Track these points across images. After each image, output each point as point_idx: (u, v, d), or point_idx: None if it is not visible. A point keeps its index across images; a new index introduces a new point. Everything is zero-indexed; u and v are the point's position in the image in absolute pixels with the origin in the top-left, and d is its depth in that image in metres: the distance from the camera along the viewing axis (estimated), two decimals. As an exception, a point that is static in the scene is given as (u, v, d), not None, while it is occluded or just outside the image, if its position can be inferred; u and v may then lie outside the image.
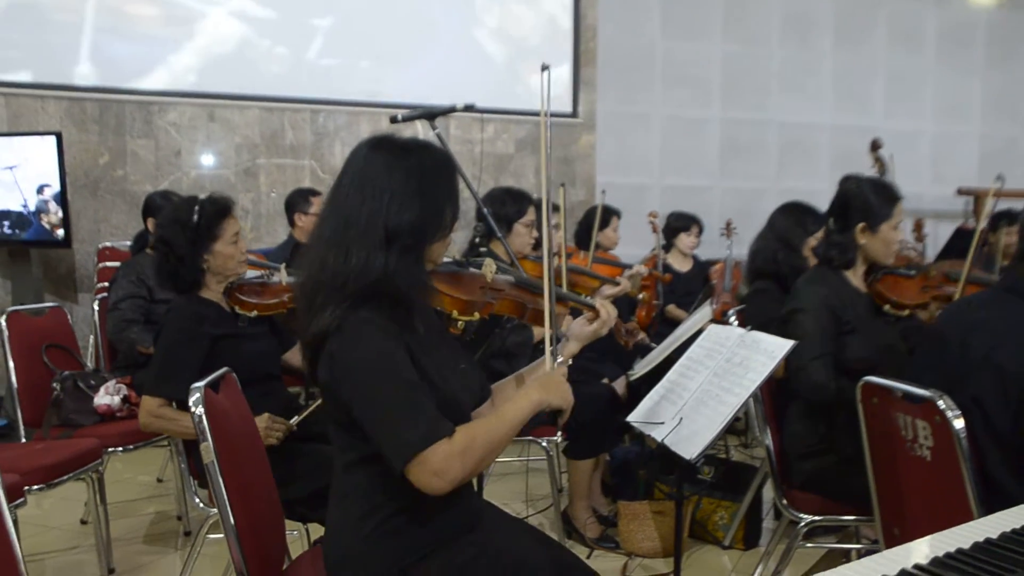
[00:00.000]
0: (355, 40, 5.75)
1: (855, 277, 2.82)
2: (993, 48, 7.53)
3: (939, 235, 6.44)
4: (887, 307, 2.83)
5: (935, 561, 1.29)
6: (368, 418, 1.56)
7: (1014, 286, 2.03)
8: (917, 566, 1.26)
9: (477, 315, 2.06)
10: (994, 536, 1.39)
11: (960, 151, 7.47)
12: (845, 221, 2.77)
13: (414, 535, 1.67)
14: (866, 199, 2.74)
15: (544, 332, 1.83)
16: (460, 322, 2.04)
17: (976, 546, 1.35)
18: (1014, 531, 1.42)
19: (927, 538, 1.39)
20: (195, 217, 2.65)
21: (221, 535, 2.69)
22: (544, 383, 1.72)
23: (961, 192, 7.05)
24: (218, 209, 2.70)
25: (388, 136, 1.73)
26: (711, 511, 3.52)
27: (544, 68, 2.11)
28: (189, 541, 3.40)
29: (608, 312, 1.97)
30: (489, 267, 2.16)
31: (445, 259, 2.09)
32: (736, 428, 4.94)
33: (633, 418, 2.38)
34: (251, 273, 2.92)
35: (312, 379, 1.73)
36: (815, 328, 2.64)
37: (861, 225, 2.74)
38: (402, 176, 1.64)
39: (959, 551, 1.33)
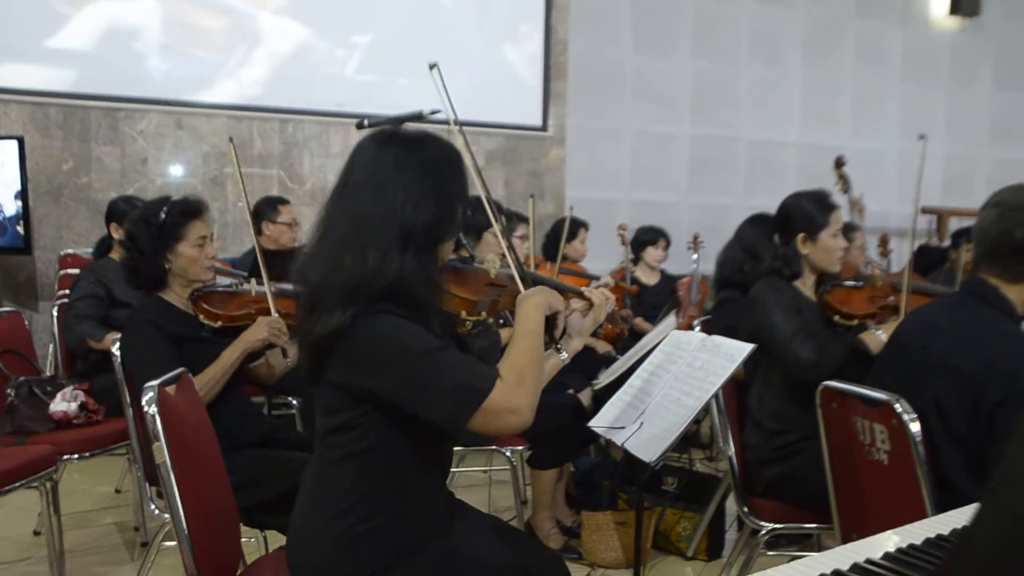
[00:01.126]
0: (330, 47, 5.75)
1: (805, 288, 2.88)
2: (956, 70, 7.68)
3: (903, 252, 6.52)
4: (836, 317, 2.89)
5: (888, 556, 1.30)
6: (411, 393, 1.54)
7: (974, 290, 2.06)
8: (870, 561, 1.27)
9: (484, 314, 2.02)
10: (945, 532, 1.40)
11: (924, 170, 7.57)
12: (788, 234, 2.86)
13: (385, 540, 1.64)
14: (804, 210, 2.84)
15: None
16: (468, 323, 2.00)
17: (928, 542, 1.36)
18: (965, 528, 1.43)
19: (880, 535, 1.39)
20: (162, 216, 2.62)
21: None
22: (527, 296, 1.71)
23: (925, 211, 7.15)
24: (186, 210, 2.66)
25: (393, 130, 1.69)
26: (674, 522, 3.51)
27: (432, 66, 2.13)
28: (145, 552, 3.33)
29: (602, 295, 1.95)
30: (492, 263, 2.12)
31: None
32: (700, 441, 4.95)
33: (596, 423, 2.37)
34: (224, 281, 2.88)
35: (313, 381, 1.68)
36: (782, 315, 2.71)
37: (802, 235, 2.83)
38: (415, 172, 1.60)
39: (911, 546, 1.34)
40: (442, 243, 1.66)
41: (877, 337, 2.69)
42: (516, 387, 1.52)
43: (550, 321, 1.78)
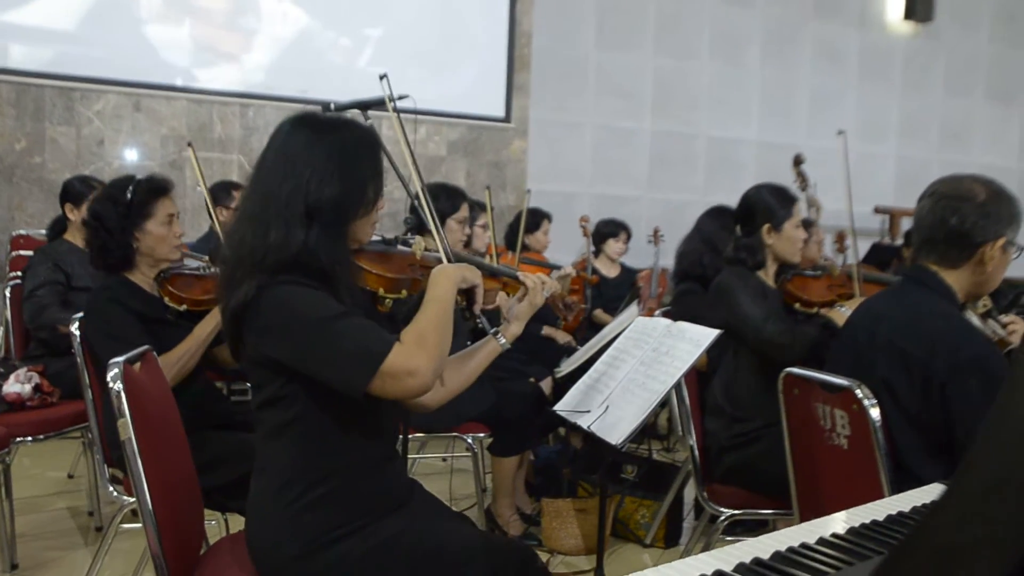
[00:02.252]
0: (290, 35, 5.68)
1: (767, 277, 2.96)
2: (909, 74, 7.85)
3: (858, 251, 6.64)
4: (797, 305, 2.97)
5: (852, 531, 1.33)
6: (311, 360, 1.56)
7: (914, 276, 2.13)
8: (835, 535, 1.30)
9: (405, 292, 2.05)
10: (906, 510, 1.44)
11: (878, 171, 7.75)
12: (751, 225, 2.94)
13: (335, 510, 1.64)
14: (767, 202, 2.92)
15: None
16: (388, 300, 2.03)
17: (890, 518, 1.40)
18: (924, 505, 1.48)
19: (844, 512, 1.43)
20: (128, 194, 2.58)
21: (135, 524, 2.63)
22: (441, 267, 1.77)
23: (878, 211, 7.31)
24: (153, 188, 2.63)
25: (311, 113, 1.73)
26: (633, 510, 3.55)
27: (382, 77, 2.27)
28: (100, 536, 3.28)
29: (534, 280, 1.98)
30: (419, 244, 2.15)
31: (374, 238, 2.08)
32: (658, 432, 5.00)
33: (560, 407, 2.39)
34: (192, 264, 2.84)
35: (236, 357, 1.72)
36: (751, 300, 2.78)
37: (767, 226, 2.91)
38: (323, 152, 1.64)
39: (874, 522, 1.38)
40: (352, 221, 1.68)
41: (842, 313, 2.77)
42: (415, 349, 1.54)
43: (470, 296, 1.83)
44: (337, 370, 1.54)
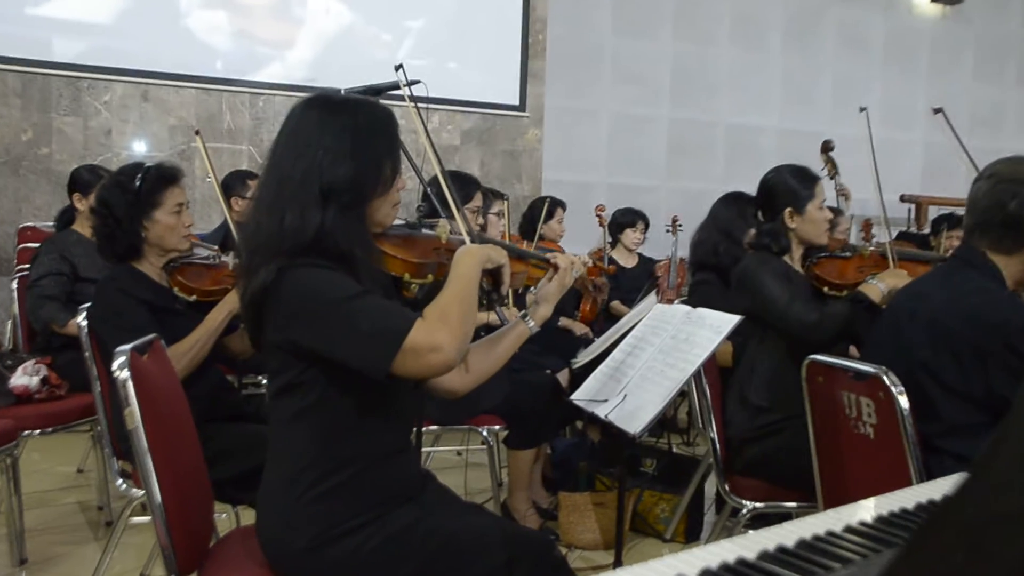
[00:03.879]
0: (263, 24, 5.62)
1: (793, 262, 2.85)
2: (936, 57, 7.68)
3: (883, 240, 6.52)
4: (826, 289, 2.85)
5: (880, 519, 1.25)
6: (332, 341, 1.51)
7: (964, 256, 2.06)
8: (862, 522, 1.22)
9: (431, 277, 1.99)
10: (937, 497, 1.36)
11: (904, 158, 7.60)
12: (773, 210, 2.83)
13: (347, 501, 1.60)
14: (788, 184, 2.81)
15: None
16: (413, 285, 1.97)
17: (919, 506, 1.32)
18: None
19: (871, 499, 1.35)
20: (137, 182, 2.53)
21: (144, 518, 2.58)
22: (466, 247, 1.73)
23: (904, 199, 7.15)
24: (163, 176, 2.58)
25: (323, 94, 1.69)
26: (652, 504, 3.47)
27: (398, 68, 2.29)
28: (110, 531, 3.24)
29: (567, 259, 1.95)
30: (444, 228, 2.09)
31: (397, 222, 2.02)
32: (678, 426, 4.91)
33: (577, 397, 2.32)
34: (202, 253, 2.79)
35: (256, 345, 1.68)
36: (774, 282, 2.66)
37: (788, 210, 2.80)
38: (336, 131, 1.60)
39: (903, 510, 1.30)
40: (369, 201, 1.65)
41: (875, 286, 2.66)
42: (438, 324, 1.50)
43: (496, 278, 1.78)
44: (360, 350, 1.49)
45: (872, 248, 2.97)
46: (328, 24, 5.68)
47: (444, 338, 1.48)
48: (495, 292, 1.81)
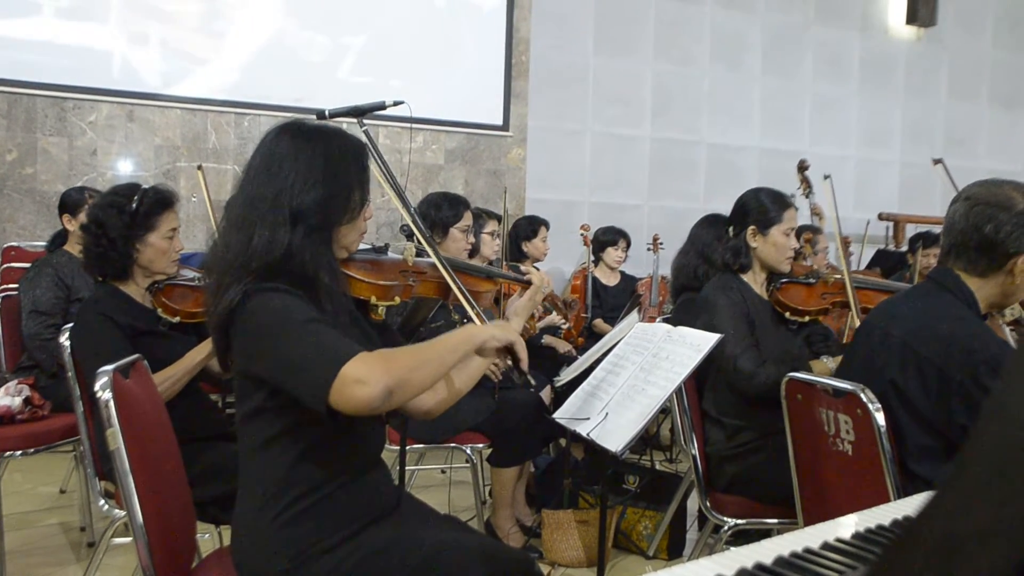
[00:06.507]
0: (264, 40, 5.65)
1: (756, 284, 2.87)
2: (912, 79, 7.80)
3: (863, 258, 6.60)
4: (788, 314, 2.87)
5: (857, 535, 1.28)
6: (280, 369, 1.50)
7: (938, 279, 2.06)
8: (840, 539, 1.25)
9: (398, 299, 2.02)
10: (913, 514, 1.38)
11: (882, 177, 7.70)
12: (740, 226, 2.86)
13: (320, 522, 1.61)
14: (760, 203, 2.84)
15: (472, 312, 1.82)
16: (380, 307, 1.99)
17: (896, 523, 1.35)
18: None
19: (849, 516, 1.38)
20: (134, 204, 2.53)
21: (126, 539, 2.57)
22: (478, 326, 1.72)
23: (882, 217, 7.25)
24: (159, 199, 2.59)
25: (299, 120, 1.72)
26: (635, 521, 3.49)
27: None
28: (92, 552, 3.22)
29: (540, 277, 1.99)
30: (409, 251, 2.11)
31: (363, 246, 2.04)
32: (660, 443, 4.94)
33: (559, 415, 2.33)
34: (188, 275, 2.79)
35: (225, 367, 1.69)
36: (729, 320, 2.69)
37: (752, 228, 2.82)
38: (309, 156, 1.63)
39: (880, 527, 1.32)
40: (337, 226, 1.67)
41: (825, 365, 2.68)
42: (375, 361, 1.44)
43: (513, 355, 1.76)
44: (301, 378, 1.46)
45: (837, 277, 2.99)
46: (312, 49, 5.70)
47: (374, 375, 1.42)
48: (516, 369, 1.77)
